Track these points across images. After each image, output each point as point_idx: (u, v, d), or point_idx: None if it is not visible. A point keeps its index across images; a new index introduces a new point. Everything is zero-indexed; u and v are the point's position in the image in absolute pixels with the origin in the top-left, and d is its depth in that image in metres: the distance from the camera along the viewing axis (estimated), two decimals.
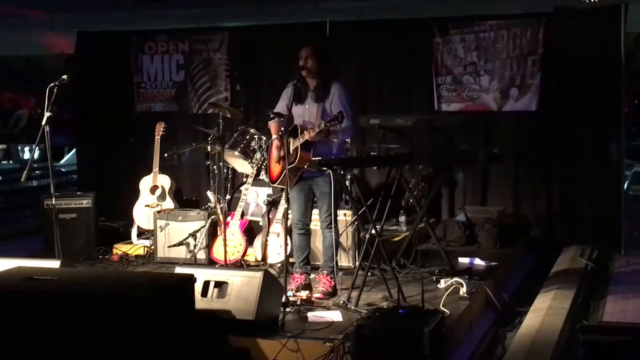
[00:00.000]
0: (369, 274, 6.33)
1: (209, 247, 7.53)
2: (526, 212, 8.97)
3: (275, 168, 6.43)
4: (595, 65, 8.48)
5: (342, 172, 6.38)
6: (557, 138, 8.79)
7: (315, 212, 6.59)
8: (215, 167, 8.04)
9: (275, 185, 6.58)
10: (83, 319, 4.40)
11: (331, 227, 6.29)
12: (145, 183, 8.31)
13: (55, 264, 5.74)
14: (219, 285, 5.37)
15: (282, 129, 6.02)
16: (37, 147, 7.14)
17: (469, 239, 8.29)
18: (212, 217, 7.63)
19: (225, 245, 6.35)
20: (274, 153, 6.35)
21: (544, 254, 8.40)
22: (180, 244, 7.59)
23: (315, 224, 6.69)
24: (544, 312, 6.03)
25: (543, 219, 8.87)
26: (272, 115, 6.39)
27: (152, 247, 7.86)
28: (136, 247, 8.13)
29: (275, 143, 6.35)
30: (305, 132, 6.07)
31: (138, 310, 4.34)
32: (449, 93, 9.08)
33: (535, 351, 5.22)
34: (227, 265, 6.41)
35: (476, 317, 6.16)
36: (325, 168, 5.97)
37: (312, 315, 5.65)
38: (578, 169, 8.69)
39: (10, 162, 20.04)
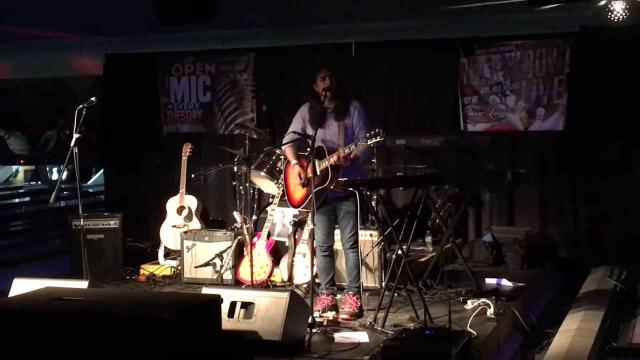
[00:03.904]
0: (396, 294, 6.31)
1: (235, 267, 7.54)
2: (553, 232, 8.93)
3: (299, 191, 6.43)
4: (623, 84, 8.44)
5: (368, 193, 6.38)
6: (584, 158, 8.74)
7: (336, 232, 6.59)
8: (241, 187, 8.09)
9: (300, 208, 6.59)
10: (110, 339, 4.43)
11: (354, 247, 6.31)
12: (172, 204, 8.35)
13: (83, 284, 5.79)
14: (246, 305, 5.38)
15: (309, 149, 6.00)
16: (66, 168, 7.21)
17: (496, 259, 8.25)
18: (239, 237, 7.64)
19: (251, 265, 6.35)
20: (301, 175, 6.30)
21: (571, 274, 8.34)
22: (206, 264, 7.60)
23: (337, 244, 6.67)
24: (573, 333, 5.96)
25: (571, 239, 8.82)
26: (297, 136, 6.37)
27: (179, 267, 7.88)
28: (163, 267, 8.16)
29: (297, 168, 6.32)
30: (337, 152, 6.04)
31: (165, 331, 4.36)
32: (475, 113, 9.07)
33: None
34: (253, 286, 6.41)
35: (503, 338, 6.11)
36: (351, 188, 5.97)
37: (338, 336, 5.64)
38: (606, 189, 8.64)
39: (39, 183, 20.24)
